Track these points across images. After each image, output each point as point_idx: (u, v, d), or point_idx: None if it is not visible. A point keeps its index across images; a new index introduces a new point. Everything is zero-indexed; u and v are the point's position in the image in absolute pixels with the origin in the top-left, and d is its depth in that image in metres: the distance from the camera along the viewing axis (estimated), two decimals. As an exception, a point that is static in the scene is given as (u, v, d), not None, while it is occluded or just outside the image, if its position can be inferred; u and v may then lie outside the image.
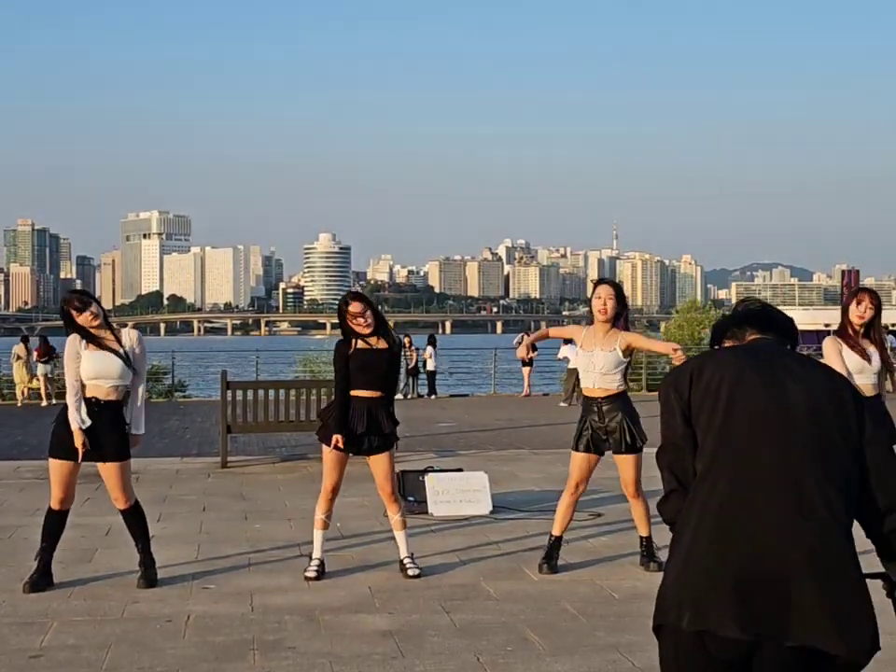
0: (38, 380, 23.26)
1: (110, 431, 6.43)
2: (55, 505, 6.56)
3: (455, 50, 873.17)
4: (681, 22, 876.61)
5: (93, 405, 6.43)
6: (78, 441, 6.35)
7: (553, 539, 6.86)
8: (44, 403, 22.77)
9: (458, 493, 8.92)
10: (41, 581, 6.41)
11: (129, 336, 6.59)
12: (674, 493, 2.79)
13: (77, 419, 6.37)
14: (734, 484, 2.61)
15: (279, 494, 10.01)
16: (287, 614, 5.84)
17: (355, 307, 6.66)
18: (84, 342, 6.44)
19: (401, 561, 6.77)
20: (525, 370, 25.17)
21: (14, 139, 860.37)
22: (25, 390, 23.17)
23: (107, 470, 6.47)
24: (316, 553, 6.75)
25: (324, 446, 6.85)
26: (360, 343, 6.69)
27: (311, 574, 6.63)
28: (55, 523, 6.60)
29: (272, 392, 12.66)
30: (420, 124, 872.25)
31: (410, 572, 6.65)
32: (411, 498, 8.88)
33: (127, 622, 5.72)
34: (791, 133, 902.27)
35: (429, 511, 8.73)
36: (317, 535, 6.79)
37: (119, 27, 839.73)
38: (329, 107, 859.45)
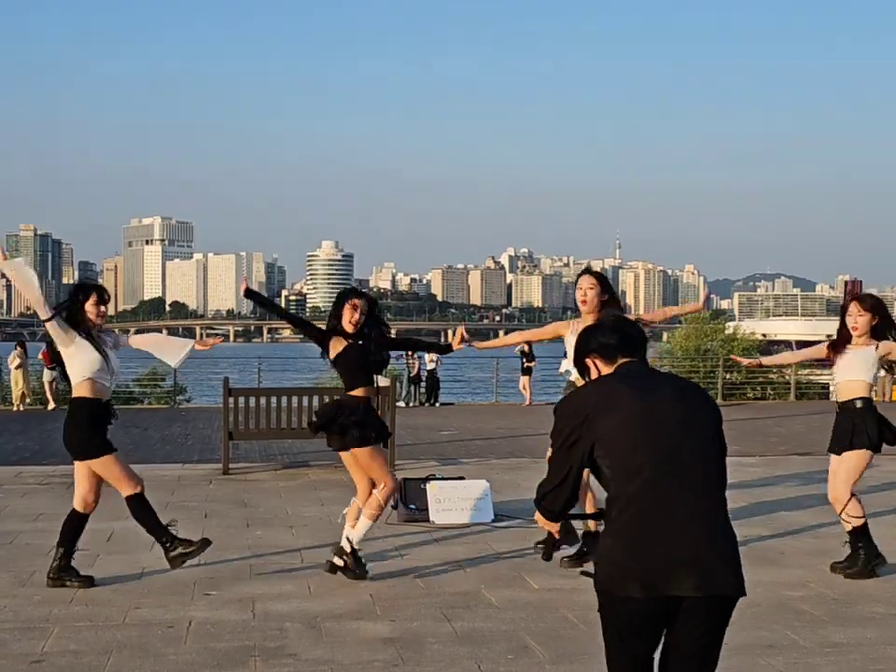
0: (44, 385, 23.26)
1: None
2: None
3: (459, 59, 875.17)
4: (685, 35, 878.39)
5: (101, 406, 6.52)
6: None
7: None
8: (50, 407, 22.78)
9: (460, 501, 8.93)
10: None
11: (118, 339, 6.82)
12: (559, 488, 3.31)
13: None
14: (657, 483, 3.14)
15: (281, 501, 10.01)
16: (289, 621, 5.85)
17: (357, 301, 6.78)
18: (81, 336, 6.50)
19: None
20: (525, 378, 25.09)
21: (17, 144, 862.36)
22: (22, 395, 23.13)
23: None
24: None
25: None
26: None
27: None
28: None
29: (273, 399, 12.67)
30: (423, 132, 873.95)
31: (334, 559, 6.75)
32: (412, 506, 8.89)
33: (129, 627, 5.72)
34: (793, 144, 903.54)
35: (431, 519, 8.73)
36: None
37: (121, 34, 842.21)
38: (331, 115, 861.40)
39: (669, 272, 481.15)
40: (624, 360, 3.39)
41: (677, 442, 3.19)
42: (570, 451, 3.24)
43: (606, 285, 6.92)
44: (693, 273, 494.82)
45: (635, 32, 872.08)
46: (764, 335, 38.43)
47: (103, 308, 6.65)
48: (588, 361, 3.45)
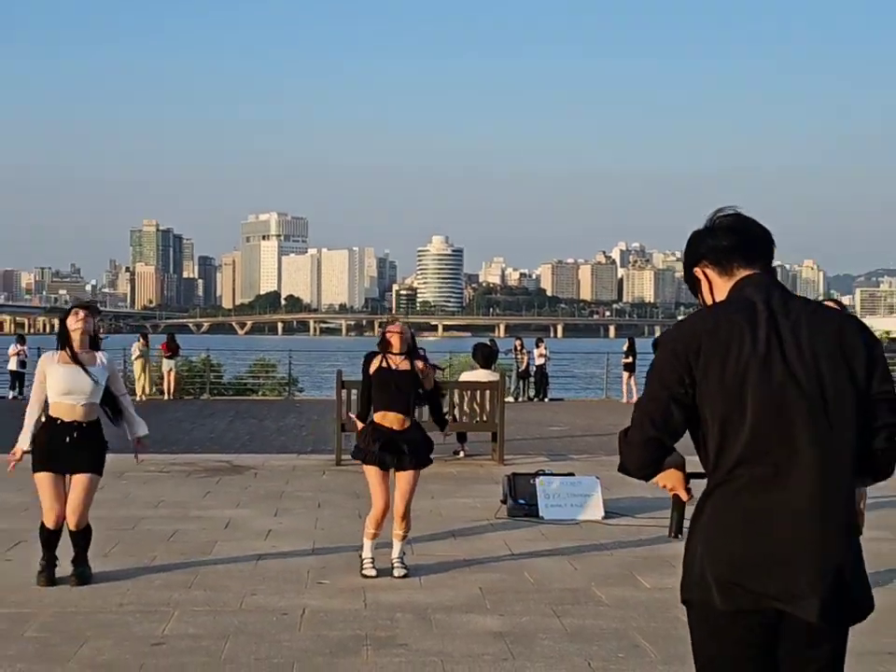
0: (164, 375, 23.97)
1: (83, 448, 6.47)
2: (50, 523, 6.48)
3: (576, 55, 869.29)
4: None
5: (60, 426, 6.43)
6: (16, 455, 6.45)
7: None
8: (166, 398, 23.47)
9: (569, 497, 8.89)
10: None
11: (101, 358, 6.69)
12: (650, 441, 2.63)
13: (26, 440, 6.46)
14: (762, 467, 2.53)
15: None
16: (400, 611, 5.91)
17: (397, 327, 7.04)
18: (56, 357, 6.52)
19: (392, 561, 6.84)
20: (625, 374, 24.84)
21: (141, 142, 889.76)
22: (146, 386, 23.86)
23: (79, 482, 6.45)
24: (367, 553, 6.85)
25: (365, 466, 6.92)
26: (384, 362, 6.97)
27: (371, 573, 6.72)
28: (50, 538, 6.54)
29: (385, 392, 12.78)
30: (535, 127, 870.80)
31: (395, 573, 6.74)
32: (521, 501, 8.88)
33: (245, 613, 5.87)
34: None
35: (540, 514, 8.71)
36: (368, 544, 6.88)
37: (223, 34, 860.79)
38: (443, 110, 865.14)
39: (788, 266, 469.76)
40: (745, 273, 2.71)
41: (797, 405, 2.53)
42: (666, 399, 2.60)
43: None
44: (812, 269, 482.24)
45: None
46: (888, 332, 37.20)
47: (81, 313, 6.59)
48: (697, 271, 2.80)
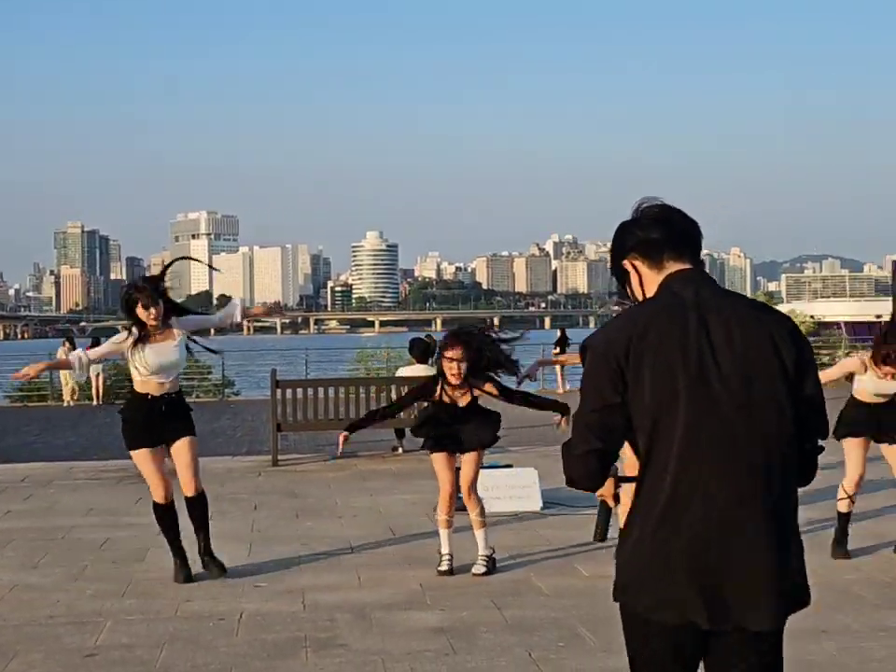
0: (90, 380, 23.56)
1: (176, 418, 6.61)
2: (158, 499, 6.69)
3: (498, 48, 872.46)
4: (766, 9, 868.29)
5: (150, 400, 6.57)
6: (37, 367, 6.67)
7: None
8: (94, 403, 23.07)
9: (508, 489, 8.89)
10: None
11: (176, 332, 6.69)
12: (594, 453, 2.56)
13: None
14: (685, 466, 2.48)
15: (330, 492, 10.04)
16: (339, 612, 5.85)
17: (454, 353, 6.50)
18: (138, 342, 6.55)
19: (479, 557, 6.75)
20: (557, 366, 24.98)
21: (64, 142, 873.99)
22: (72, 391, 23.43)
23: (182, 447, 6.60)
24: (444, 549, 6.74)
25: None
26: (444, 396, 6.62)
27: (443, 568, 6.65)
28: (165, 517, 6.72)
29: (321, 390, 12.71)
30: (465, 120, 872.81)
31: (474, 570, 6.64)
32: (460, 495, 8.84)
33: (180, 620, 5.76)
34: (838, 122, 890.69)
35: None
36: (443, 533, 6.79)
37: (156, 33, 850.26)
38: (373, 105, 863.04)
39: (715, 255, 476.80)
40: (675, 267, 2.64)
41: (732, 405, 2.50)
42: (605, 410, 2.54)
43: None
44: (739, 256, 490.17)
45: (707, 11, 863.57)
46: (812, 317, 37.93)
47: (151, 312, 6.58)
48: (626, 264, 2.71)
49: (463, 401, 6.63)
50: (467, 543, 7.50)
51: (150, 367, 6.52)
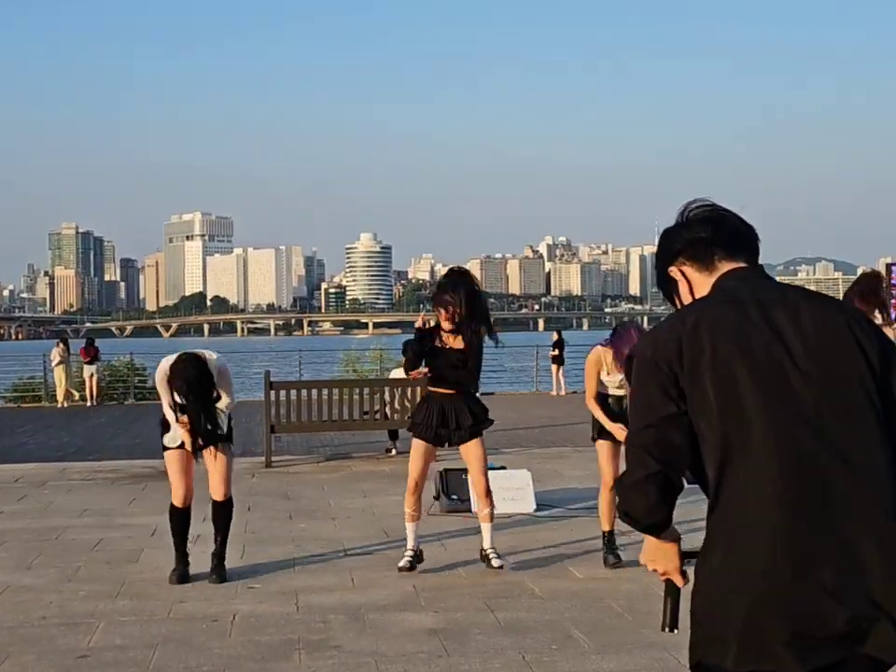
0: (85, 381, 23.54)
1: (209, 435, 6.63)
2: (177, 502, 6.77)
3: (493, 50, 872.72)
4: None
5: None
6: (186, 437, 6.56)
7: (605, 534, 6.85)
8: (88, 404, 23.04)
9: (502, 491, 8.87)
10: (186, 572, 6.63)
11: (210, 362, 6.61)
12: (654, 477, 2.14)
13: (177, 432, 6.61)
14: (776, 483, 2.07)
15: (323, 493, 10.04)
16: (332, 613, 5.84)
17: (449, 297, 6.66)
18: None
19: (485, 552, 6.80)
20: (554, 367, 25.04)
21: (58, 143, 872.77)
22: (67, 392, 23.41)
23: (216, 454, 6.68)
24: (408, 544, 6.79)
25: (413, 438, 6.89)
26: (437, 341, 6.75)
27: (403, 564, 6.68)
28: (179, 521, 6.78)
29: (315, 392, 12.71)
30: (460, 122, 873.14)
31: (493, 563, 6.69)
32: (454, 497, 8.87)
33: (173, 621, 5.75)
34: (831, 125, 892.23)
35: (473, 510, 8.68)
36: (408, 527, 6.83)
37: (154, 32, 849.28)
38: (368, 108, 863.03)
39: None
40: (728, 267, 2.31)
41: (810, 408, 2.12)
42: (662, 426, 2.16)
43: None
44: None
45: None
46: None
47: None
48: (674, 271, 2.38)
49: (457, 344, 6.73)
50: (460, 544, 7.51)
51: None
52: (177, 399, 6.44)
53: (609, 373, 6.72)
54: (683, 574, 2.33)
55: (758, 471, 2.08)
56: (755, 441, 2.10)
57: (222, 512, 6.80)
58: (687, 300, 2.37)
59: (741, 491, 2.10)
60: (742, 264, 2.31)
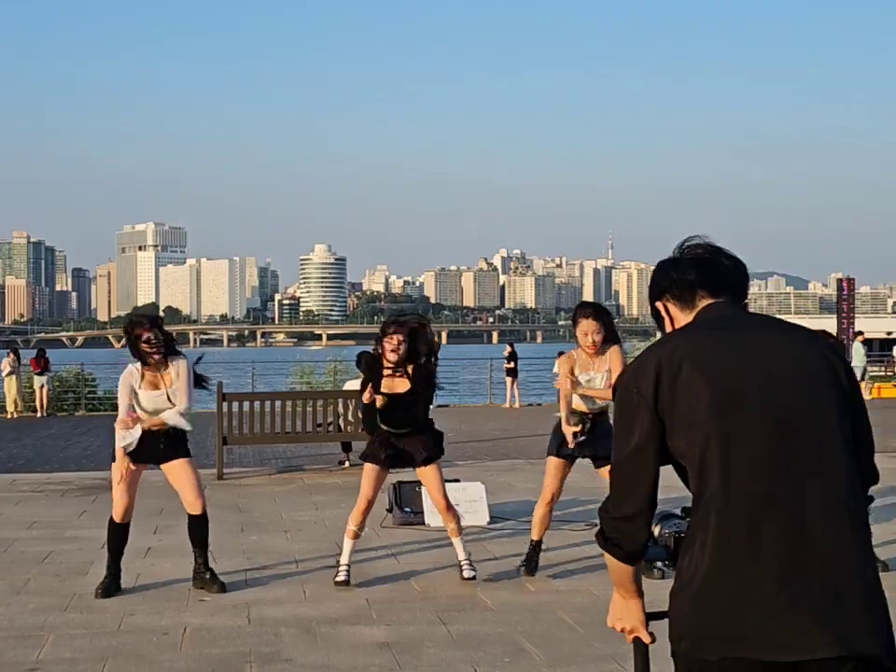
0: (35, 392, 23.24)
1: (170, 441, 6.69)
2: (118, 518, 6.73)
3: (451, 63, 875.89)
4: (676, 35, 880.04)
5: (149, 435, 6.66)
6: (122, 463, 6.60)
7: (533, 542, 6.99)
8: (39, 415, 22.75)
9: (455, 504, 8.90)
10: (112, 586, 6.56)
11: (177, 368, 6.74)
12: (646, 513, 2.35)
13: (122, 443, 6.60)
14: (750, 496, 2.23)
15: (275, 505, 10.00)
16: (284, 626, 5.83)
17: (397, 334, 6.70)
18: (140, 379, 6.63)
19: (459, 564, 6.85)
20: (508, 380, 25.14)
21: (9, 151, 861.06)
22: (16, 402, 23.10)
23: (179, 467, 6.66)
24: (343, 559, 6.78)
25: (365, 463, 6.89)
26: (383, 384, 6.77)
27: (339, 578, 6.68)
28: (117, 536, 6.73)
29: (268, 403, 12.66)
30: (415, 135, 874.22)
31: (465, 574, 6.76)
32: (407, 509, 8.88)
33: (123, 634, 5.71)
34: (783, 143, 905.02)
35: (426, 522, 8.72)
36: (347, 543, 6.82)
37: (107, 42, 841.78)
38: (324, 119, 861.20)
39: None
40: (707, 302, 2.45)
41: (784, 422, 2.26)
42: (640, 452, 2.32)
43: (608, 322, 6.75)
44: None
45: (623, 32, 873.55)
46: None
47: (154, 351, 6.67)
48: (660, 306, 2.54)
49: (402, 387, 6.75)
50: (412, 557, 7.52)
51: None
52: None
53: (581, 370, 6.76)
54: (650, 633, 2.46)
55: (736, 479, 2.23)
56: (733, 452, 2.24)
57: (200, 526, 6.74)
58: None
59: (721, 495, 2.24)
60: (721, 300, 2.46)
